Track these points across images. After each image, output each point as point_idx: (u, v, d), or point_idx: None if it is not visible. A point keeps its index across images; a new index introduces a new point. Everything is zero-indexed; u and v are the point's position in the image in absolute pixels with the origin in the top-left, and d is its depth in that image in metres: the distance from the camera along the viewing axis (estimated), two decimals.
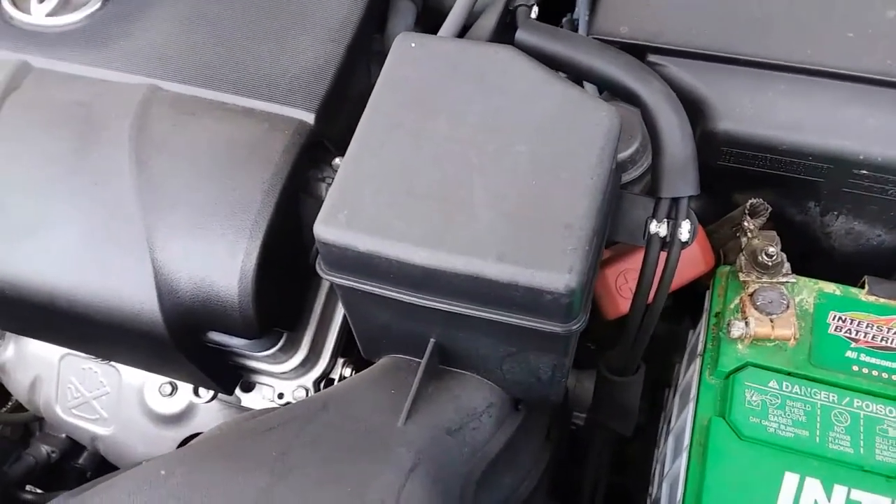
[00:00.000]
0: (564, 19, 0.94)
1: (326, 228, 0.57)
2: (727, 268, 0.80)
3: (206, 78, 0.83)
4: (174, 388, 1.00)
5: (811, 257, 0.88)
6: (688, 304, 0.93)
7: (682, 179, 0.64)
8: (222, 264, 0.74)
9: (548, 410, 0.83)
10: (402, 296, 0.59)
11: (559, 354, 0.63)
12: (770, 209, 0.78)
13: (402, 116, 0.62)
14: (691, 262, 0.80)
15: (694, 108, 0.78)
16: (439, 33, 0.74)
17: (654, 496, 0.88)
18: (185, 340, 0.79)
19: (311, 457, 0.55)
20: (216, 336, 0.83)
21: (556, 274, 0.54)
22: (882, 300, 0.76)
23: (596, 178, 0.57)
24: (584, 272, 0.54)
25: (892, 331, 0.74)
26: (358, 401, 0.64)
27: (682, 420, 0.79)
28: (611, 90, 0.67)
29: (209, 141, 0.78)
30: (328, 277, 0.60)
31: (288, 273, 0.81)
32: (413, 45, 0.64)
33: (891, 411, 0.70)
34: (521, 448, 0.78)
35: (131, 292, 0.76)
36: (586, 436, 0.95)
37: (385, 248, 0.56)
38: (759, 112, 0.77)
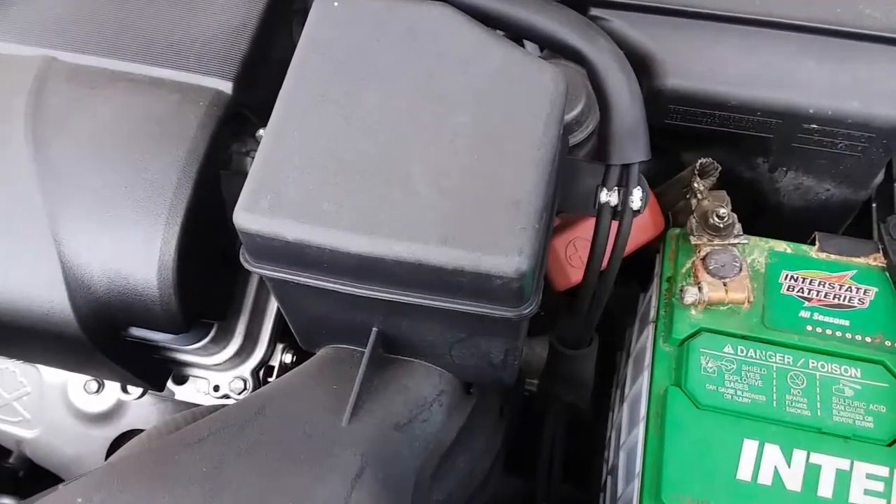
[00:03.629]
0: None
1: (248, 216, 0.51)
2: (677, 230, 0.78)
3: (108, 46, 0.75)
4: (101, 385, 0.94)
5: (759, 214, 0.86)
6: (636, 266, 0.91)
7: (631, 145, 0.60)
8: (138, 255, 0.67)
9: (500, 389, 0.79)
10: (338, 286, 0.54)
11: (511, 338, 0.59)
12: (720, 169, 0.76)
13: (328, 85, 0.56)
14: (641, 227, 0.77)
15: (640, 65, 0.74)
16: None
17: (611, 463, 0.87)
18: (104, 339, 0.72)
19: (247, 469, 0.50)
20: (138, 332, 0.77)
21: (506, 257, 0.49)
22: (833, 256, 0.75)
23: (544, 149, 0.52)
24: (535, 253, 0.50)
25: (845, 287, 0.73)
26: (297, 400, 0.59)
27: (637, 388, 0.77)
28: (554, 49, 0.62)
29: (115, 117, 0.70)
30: (255, 270, 0.55)
31: (213, 259, 0.75)
32: (336, 3, 0.57)
33: (846, 370, 0.69)
34: (475, 430, 0.74)
35: (38, 290, 0.69)
36: (540, 407, 0.92)
37: (316, 236, 0.51)
38: (707, 67, 0.74)
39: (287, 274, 0.54)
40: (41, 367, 0.94)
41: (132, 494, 0.48)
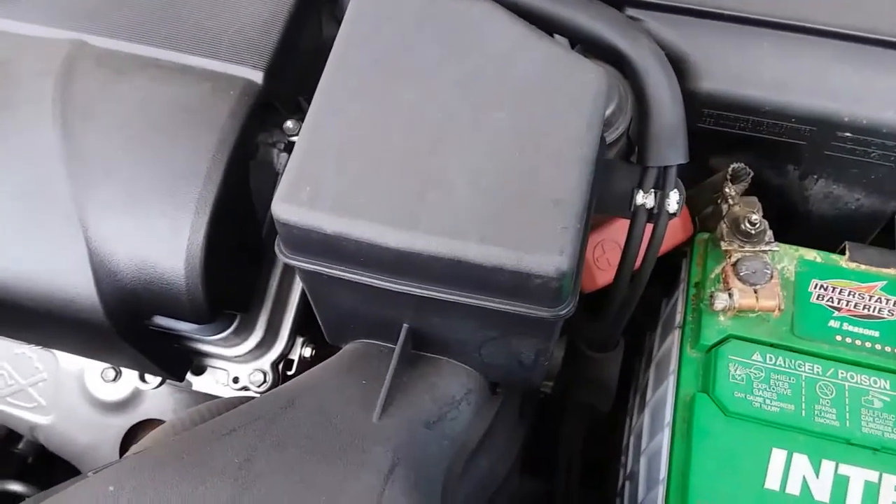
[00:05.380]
0: None
1: (287, 207, 0.51)
2: (706, 235, 0.77)
3: (138, 31, 0.74)
4: (118, 373, 0.93)
5: (787, 221, 0.85)
6: (660, 270, 0.90)
7: (670, 147, 0.60)
8: (166, 243, 0.67)
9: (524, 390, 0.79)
10: (373, 281, 0.53)
11: (544, 339, 0.58)
12: (752, 174, 0.75)
13: (367, 80, 0.55)
14: (671, 231, 0.76)
15: (674, 67, 0.73)
16: None
17: (629, 468, 0.87)
18: (128, 326, 0.72)
19: (279, 462, 0.50)
20: (162, 321, 0.76)
21: (547, 256, 0.49)
22: (863, 267, 0.74)
23: (586, 148, 0.52)
24: (575, 253, 0.50)
25: (875, 298, 0.72)
26: (327, 394, 0.58)
27: (661, 394, 0.77)
28: (595, 47, 0.61)
29: (144, 104, 0.70)
30: (289, 261, 0.54)
31: (239, 250, 0.75)
32: None
33: (875, 382, 0.69)
34: (497, 431, 0.74)
35: (64, 276, 0.68)
36: (558, 409, 0.92)
37: (354, 229, 0.50)
38: (742, 71, 0.73)
39: (322, 266, 0.54)
40: (58, 353, 0.94)
41: (164, 483, 0.48)
